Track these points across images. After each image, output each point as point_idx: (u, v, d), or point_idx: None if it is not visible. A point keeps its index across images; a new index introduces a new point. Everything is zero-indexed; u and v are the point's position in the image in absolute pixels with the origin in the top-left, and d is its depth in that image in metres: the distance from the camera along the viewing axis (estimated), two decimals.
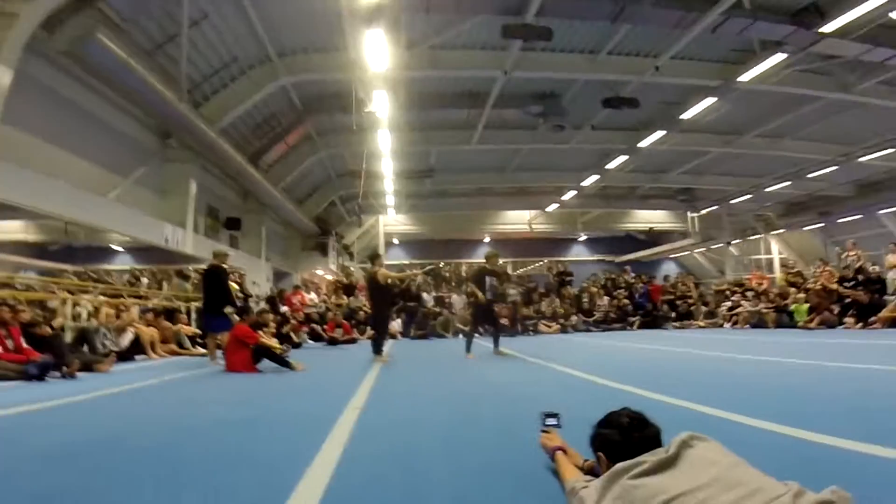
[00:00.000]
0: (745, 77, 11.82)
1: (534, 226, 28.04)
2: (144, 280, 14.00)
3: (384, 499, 1.97)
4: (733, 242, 25.15)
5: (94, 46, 8.48)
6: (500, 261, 8.94)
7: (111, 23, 9.03)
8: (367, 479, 2.20)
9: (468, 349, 8.55)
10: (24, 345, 6.35)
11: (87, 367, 6.57)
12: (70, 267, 13.21)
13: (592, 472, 1.96)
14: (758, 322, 14.42)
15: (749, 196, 22.29)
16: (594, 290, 18.35)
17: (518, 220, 27.92)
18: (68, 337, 7.52)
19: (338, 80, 12.56)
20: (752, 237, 24.87)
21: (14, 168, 8.27)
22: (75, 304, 9.25)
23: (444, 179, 21.14)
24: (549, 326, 15.85)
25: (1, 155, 7.85)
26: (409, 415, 3.75)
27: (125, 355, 8.42)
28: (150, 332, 9.36)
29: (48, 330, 6.91)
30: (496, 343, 8.81)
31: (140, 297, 11.21)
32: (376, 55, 9.60)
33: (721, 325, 15.76)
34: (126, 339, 8.87)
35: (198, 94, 12.04)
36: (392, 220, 27.42)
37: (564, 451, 2.18)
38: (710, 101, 13.14)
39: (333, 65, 11.93)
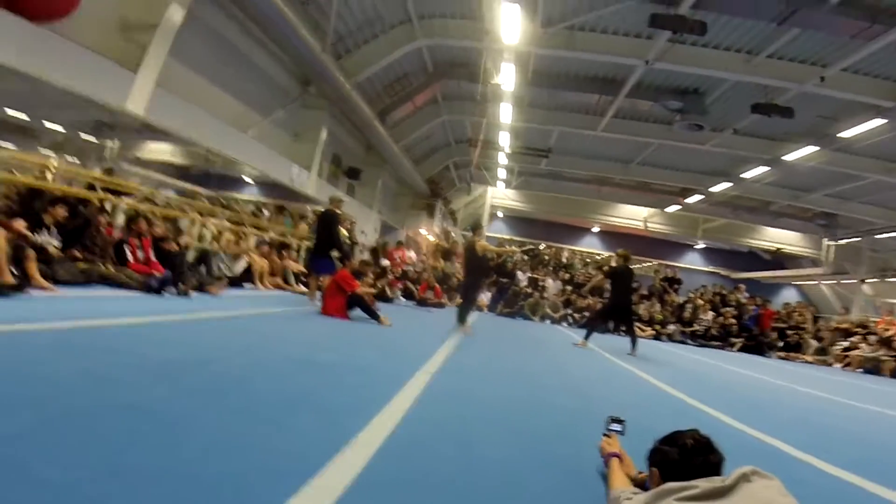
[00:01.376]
0: None
1: (649, 224, 26.77)
2: (266, 213, 15.03)
3: (435, 465, 2.05)
4: (868, 280, 22.55)
5: None
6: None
7: None
8: (422, 442, 2.31)
9: (587, 338, 8.66)
10: (152, 258, 7.04)
11: (201, 288, 7.12)
12: (204, 191, 14.40)
13: (642, 485, 1.94)
14: (872, 368, 13.05)
15: None
16: (700, 302, 17.33)
17: (633, 215, 26.73)
18: (190, 256, 8.12)
19: (470, 48, 12.64)
20: (891, 279, 22.18)
21: (173, 98, 9.12)
22: (202, 226, 10.11)
23: (561, 161, 20.67)
24: (643, 330, 15.24)
25: (164, 85, 8.64)
26: (477, 390, 3.82)
27: (236, 281, 9.04)
28: (261, 263, 9.99)
29: (175, 246, 7.48)
30: (633, 345, 8.67)
31: (259, 229, 12.07)
32: (510, 28, 9.55)
33: (830, 364, 14.44)
34: (240, 266, 9.50)
35: (340, 47, 12.59)
36: (500, 194, 27.41)
37: (620, 459, 2.16)
38: (877, 122, 11.72)
39: (468, 32, 12.00)
